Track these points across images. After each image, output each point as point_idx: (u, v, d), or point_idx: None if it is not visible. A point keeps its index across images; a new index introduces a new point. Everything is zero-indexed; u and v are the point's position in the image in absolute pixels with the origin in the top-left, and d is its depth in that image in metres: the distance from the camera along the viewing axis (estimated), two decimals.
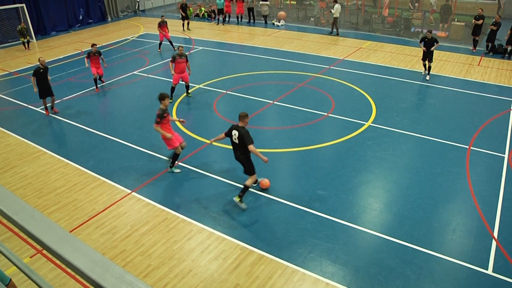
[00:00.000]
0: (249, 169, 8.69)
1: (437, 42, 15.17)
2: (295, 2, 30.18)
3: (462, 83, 15.29)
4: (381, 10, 25.66)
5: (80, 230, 8.28)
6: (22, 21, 23.34)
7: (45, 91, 13.45)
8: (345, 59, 18.30)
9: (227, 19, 27.04)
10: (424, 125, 12.00)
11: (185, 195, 9.27)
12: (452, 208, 8.59)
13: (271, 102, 13.90)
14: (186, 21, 25.40)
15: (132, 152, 11.28)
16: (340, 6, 22.12)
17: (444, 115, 12.69)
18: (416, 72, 16.31)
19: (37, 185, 9.99)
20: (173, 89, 14.24)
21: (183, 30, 25.20)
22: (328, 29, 23.77)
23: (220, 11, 26.44)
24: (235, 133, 8.46)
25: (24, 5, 24.18)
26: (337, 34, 22.60)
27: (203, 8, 29.05)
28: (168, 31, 20.44)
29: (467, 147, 10.79)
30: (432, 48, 15.16)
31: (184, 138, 11.59)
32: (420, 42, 15.64)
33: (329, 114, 12.85)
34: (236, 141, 8.48)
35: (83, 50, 21.68)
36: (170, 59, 14.44)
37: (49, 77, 13.50)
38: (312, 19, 25.95)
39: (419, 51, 19.12)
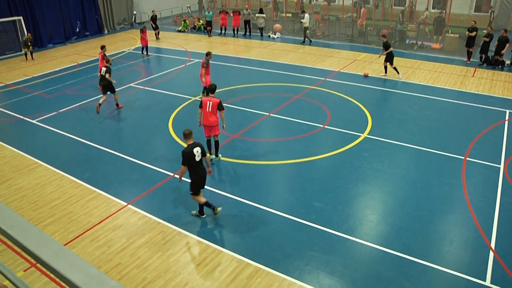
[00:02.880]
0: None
1: (390, 47, 16.86)
2: (290, 15, 30.40)
3: (457, 94, 15.39)
4: (376, 22, 25.89)
5: (75, 243, 8.22)
6: (27, 32, 23.63)
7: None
8: (340, 71, 18.39)
9: (223, 31, 27.19)
10: (420, 136, 12.04)
11: (181, 207, 9.23)
12: (449, 219, 8.59)
13: (267, 114, 13.93)
14: (157, 31, 26.62)
15: (128, 164, 11.24)
16: (309, 15, 23.48)
17: (440, 126, 12.75)
18: (411, 84, 16.41)
19: (32, 197, 9.94)
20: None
21: (156, 39, 26.31)
22: (324, 41, 23.93)
23: (208, 23, 27.13)
24: (197, 150, 8.27)
25: (21, 17, 24.30)
26: (310, 43, 23.71)
27: (201, 21, 29.19)
28: (147, 37, 22.37)
29: (463, 158, 10.82)
30: (385, 52, 16.98)
31: (180, 151, 11.61)
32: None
33: (325, 126, 12.89)
34: (199, 157, 8.32)
35: (79, 63, 21.71)
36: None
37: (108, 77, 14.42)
38: (307, 31, 26.10)
39: (414, 62, 19.32)
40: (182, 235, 8.28)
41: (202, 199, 8.61)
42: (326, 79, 17.26)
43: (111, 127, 13.61)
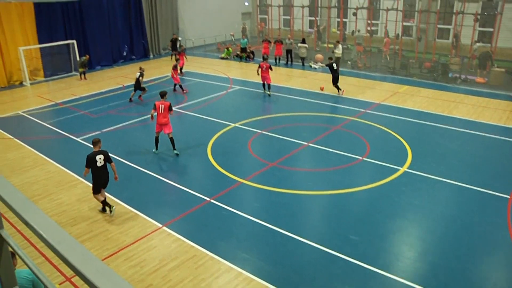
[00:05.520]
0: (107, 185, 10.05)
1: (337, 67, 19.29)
2: (332, 46, 30.56)
3: (502, 130, 14.95)
4: (419, 55, 25.69)
5: (109, 261, 8.36)
6: (79, 54, 25.14)
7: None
8: (381, 103, 18.26)
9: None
10: (461, 172, 11.72)
11: (215, 232, 9.27)
12: (492, 260, 8.26)
13: (306, 143, 13.92)
14: (174, 53, 27.55)
15: (166, 186, 11.44)
16: (341, 46, 24.21)
17: (483, 162, 12.38)
18: (453, 118, 16.08)
19: (72, 213, 10.24)
20: None
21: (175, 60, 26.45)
22: (365, 73, 23.89)
23: (243, 50, 28.55)
24: (99, 157, 9.66)
25: (75, 41, 25.72)
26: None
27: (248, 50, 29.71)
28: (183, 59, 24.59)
29: (508, 196, 10.43)
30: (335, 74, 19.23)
31: (217, 176, 11.78)
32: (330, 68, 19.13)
33: (364, 158, 12.75)
34: (102, 163, 9.72)
35: (124, 85, 22.47)
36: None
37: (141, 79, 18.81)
38: (349, 62, 26.16)
39: (457, 96, 18.97)
40: (215, 261, 8.30)
41: (101, 198, 10.00)
42: (367, 111, 17.15)
43: (151, 149, 13.91)
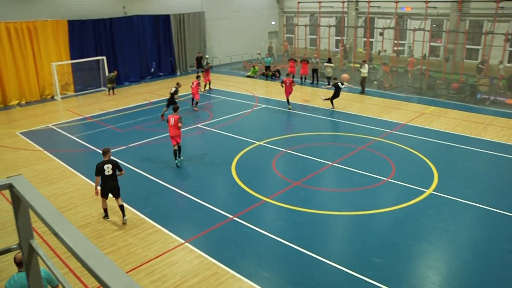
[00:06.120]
0: (119, 192, 10.45)
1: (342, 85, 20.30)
2: (358, 65, 30.50)
3: None
4: (446, 76, 25.40)
5: (131, 275, 8.41)
6: (109, 70, 25.83)
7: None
8: (407, 124, 18.07)
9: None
10: (490, 196, 11.45)
11: (237, 250, 9.25)
12: None
13: (330, 163, 13.85)
14: (198, 71, 27.38)
15: (189, 202, 11.51)
16: (367, 65, 24.28)
17: None
18: (481, 140, 15.77)
19: (96, 226, 10.40)
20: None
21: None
22: (391, 93, 23.73)
23: (267, 68, 28.85)
24: (107, 166, 10.18)
25: (105, 57, 26.50)
26: (363, 92, 23.99)
27: (271, 69, 29.90)
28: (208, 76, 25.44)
29: None
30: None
31: (241, 194, 11.80)
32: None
33: (389, 179, 12.60)
34: (110, 172, 10.17)
35: (151, 101, 22.84)
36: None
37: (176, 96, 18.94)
38: (375, 82, 26.04)
39: (486, 118, 18.63)
40: (236, 279, 8.26)
41: (104, 205, 10.59)
42: (392, 131, 16.99)
43: (175, 165, 14.05)
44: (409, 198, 11.41)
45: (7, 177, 2.17)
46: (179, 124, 13.52)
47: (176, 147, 13.84)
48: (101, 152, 10.76)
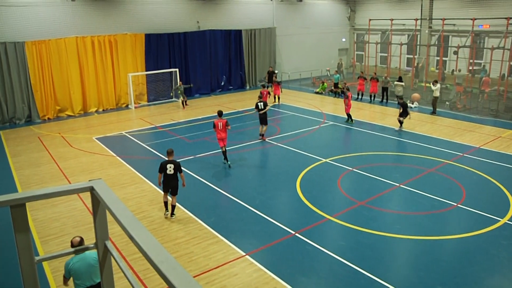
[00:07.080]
0: (177, 191, 11.30)
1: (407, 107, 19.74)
2: (430, 85, 29.50)
3: None
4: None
5: None
6: (180, 81, 26.80)
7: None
8: (481, 147, 17.21)
9: (360, 96, 27.28)
10: None
11: (297, 267, 9.17)
12: None
13: (397, 185, 13.45)
14: (269, 85, 27.19)
15: (252, 215, 11.59)
16: (440, 85, 23.43)
17: None
18: None
19: (160, 232, 10.72)
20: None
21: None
22: (464, 115, 22.74)
23: (335, 85, 28.72)
24: (170, 166, 11.03)
25: (177, 69, 27.65)
26: (434, 113, 23.19)
27: (339, 86, 29.68)
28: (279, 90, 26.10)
29: None
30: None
31: (304, 210, 11.75)
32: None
33: (459, 205, 12.03)
34: (172, 172, 11.01)
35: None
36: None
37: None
38: (447, 103, 25.08)
39: None
40: None
41: (164, 198, 11.49)
42: (464, 155, 16.25)
43: (241, 178, 14.24)
44: (481, 226, 10.82)
45: (89, 180, 2.32)
46: (228, 127, 14.74)
47: (224, 149, 14.95)
48: (166, 152, 11.53)
